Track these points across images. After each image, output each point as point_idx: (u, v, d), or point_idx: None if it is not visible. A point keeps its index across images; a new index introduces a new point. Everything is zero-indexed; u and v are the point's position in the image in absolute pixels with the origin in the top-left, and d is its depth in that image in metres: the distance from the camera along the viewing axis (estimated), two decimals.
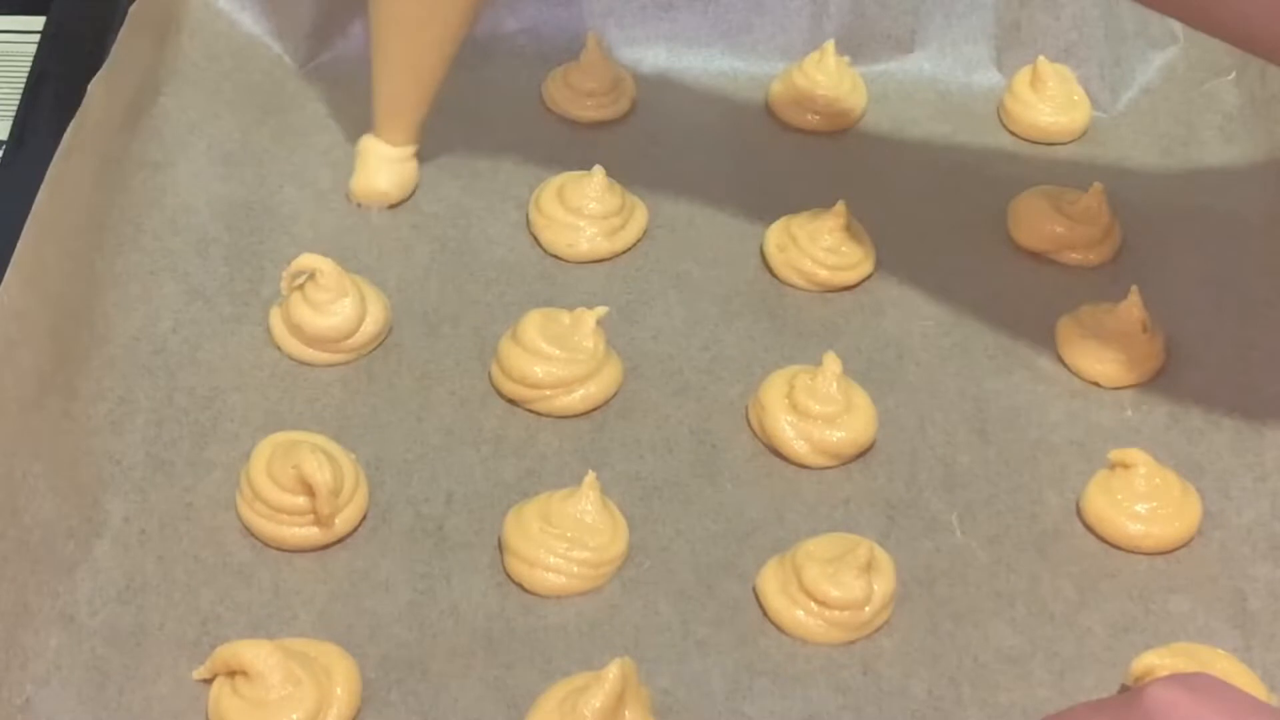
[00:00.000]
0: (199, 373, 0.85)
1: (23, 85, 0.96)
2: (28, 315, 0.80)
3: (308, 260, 0.85)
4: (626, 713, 0.70)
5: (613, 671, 0.69)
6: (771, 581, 0.77)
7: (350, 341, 0.86)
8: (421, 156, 0.95)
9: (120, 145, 0.92)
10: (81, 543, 0.76)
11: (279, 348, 0.86)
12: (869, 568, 0.76)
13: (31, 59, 0.98)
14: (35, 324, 0.80)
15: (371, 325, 0.86)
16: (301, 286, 0.85)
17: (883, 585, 0.77)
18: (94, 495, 0.78)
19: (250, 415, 0.83)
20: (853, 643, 0.76)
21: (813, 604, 0.76)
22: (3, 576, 0.73)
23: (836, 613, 0.76)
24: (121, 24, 0.93)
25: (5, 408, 0.77)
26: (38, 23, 1.01)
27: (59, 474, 0.78)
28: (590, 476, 0.78)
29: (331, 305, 0.85)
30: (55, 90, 0.94)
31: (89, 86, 0.88)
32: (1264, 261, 0.95)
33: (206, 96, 0.98)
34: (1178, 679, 0.61)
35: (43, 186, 0.83)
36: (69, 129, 0.85)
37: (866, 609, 0.76)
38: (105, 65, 0.90)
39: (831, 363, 0.84)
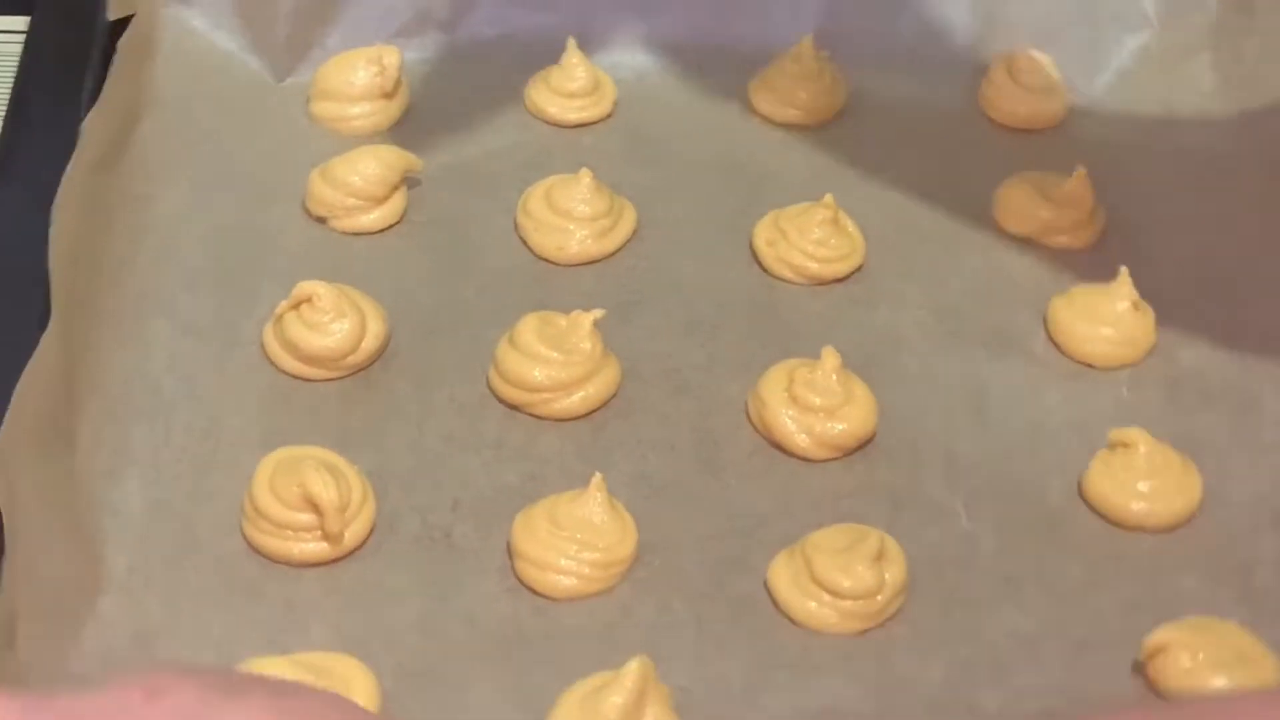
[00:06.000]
0: (195, 407, 0.83)
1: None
2: (44, 361, 0.80)
3: (305, 288, 0.84)
4: (649, 710, 0.70)
5: (633, 668, 0.69)
6: (783, 575, 0.77)
7: (349, 360, 0.85)
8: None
9: (107, 181, 0.91)
10: (88, 599, 0.75)
11: (273, 364, 0.86)
12: (880, 557, 0.76)
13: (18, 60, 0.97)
14: (48, 370, 0.80)
15: (372, 342, 0.85)
16: (297, 307, 0.85)
17: (894, 574, 0.77)
18: (97, 549, 0.77)
19: (248, 435, 0.82)
20: (866, 632, 0.76)
21: (825, 595, 0.76)
22: (17, 636, 0.72)
23: (849, 603, 0.76)
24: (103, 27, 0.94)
25: (24, 460, 0.76)
26: (21, 23, 1.00)
27: (66, 527, 0.77)
28: (597, 477, 0.78)
29: (329, 325, 0.84)
30: (40, 95, 0.94)
31: (83, 124, 0.88)
32: (1247, 238, 0.96)
33: (187, 122, 0.97)
34: None
35: (52, 228, 0.83)
36: (68, 167, 0.85)
37: (879, 598, 0.76)
38: (99, 101, 0.90)
39: (830, 356, 0.84)
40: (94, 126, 0.89)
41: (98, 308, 0.86)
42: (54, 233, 0.83)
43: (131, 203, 0.92)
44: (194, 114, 0.98)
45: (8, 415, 0.77)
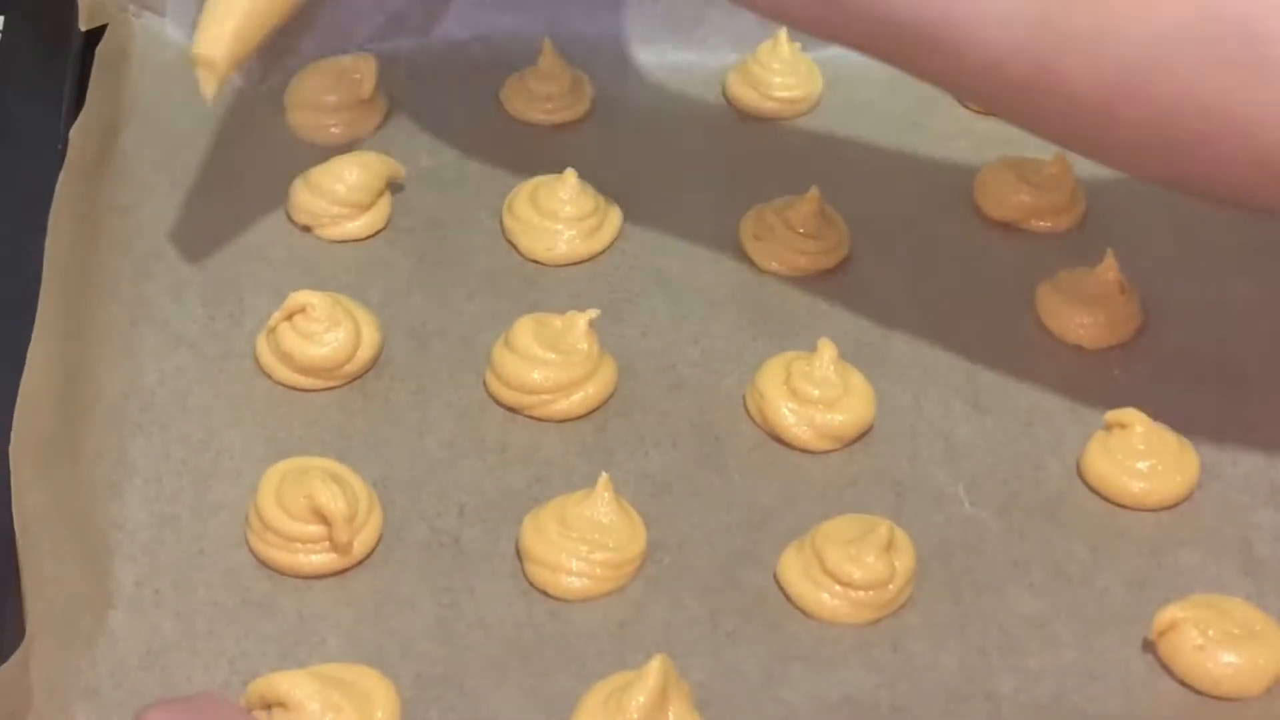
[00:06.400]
0: (191, 420, 0.83)
1: None
2: (45, 376, 0.79)
3: (299, 298, 0.84)
4: (671, 709, 0.70)
5: (654, 666, 0.69)
6: (793, 567, 0.78)
7: (345, 369, 0.85)
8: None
9: (94, 191, 0.90)
10: (98, 615, 0.74)
11: (268, 375, 0.85)
12: (890, 546, 0.77)
13: None
14: (48, 385, 0.79)
15: (367, 350, 0.85)
16: (290, 318, 0.84)
17: (904, 562, 0.77)
18: (105, 564, 0.76)
19: (250, 448, 0.82)
20: (879, 621, 0.77)
21: (837, 586, 0.76)
22: (31, 654, 0.71)
23: (861, 593, 0.76)
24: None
25: (30, 476, 0.76)
26: None
27: (74, 543, 0.76)
28: (604, 477, 0.78)
29: (323, 335, 0.84)
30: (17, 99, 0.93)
31: (70, 134, 0.87)
32: (1223, 215, 0.97)
33: (164, 132, 0.97)
34: None
35: (47, 239, 0.83)
36: (59, 179, 0.84)
37: (890, 587, 0.77)
38: (83, 110, 0.89)
39: (826, 347, 0.84)
40: (79, 136, 0.89)
41: (90, 319, 0.86)
42: (49, 243, 0.82)
43: (116, 213, 0.92)
44: (172, 124, 0.97)
45: (13, 431, 0.77)
